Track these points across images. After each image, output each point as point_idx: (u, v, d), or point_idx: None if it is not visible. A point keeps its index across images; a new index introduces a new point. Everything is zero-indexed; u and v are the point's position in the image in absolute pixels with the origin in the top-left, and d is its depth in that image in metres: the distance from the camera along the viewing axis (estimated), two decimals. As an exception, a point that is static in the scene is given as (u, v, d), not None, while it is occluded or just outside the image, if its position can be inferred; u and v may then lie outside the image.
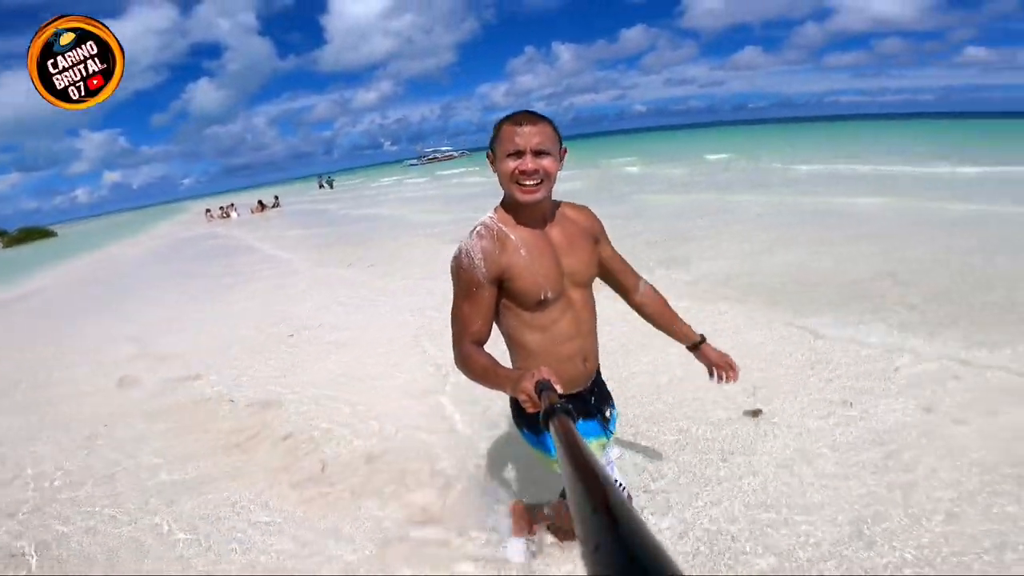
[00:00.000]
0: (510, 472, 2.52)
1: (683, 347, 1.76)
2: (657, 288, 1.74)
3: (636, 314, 1.76)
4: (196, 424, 3.47)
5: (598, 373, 1.65)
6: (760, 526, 2.00)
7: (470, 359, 1.32)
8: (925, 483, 2.12)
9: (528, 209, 1.40)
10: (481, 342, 1.37)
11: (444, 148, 75.20)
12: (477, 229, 1.41)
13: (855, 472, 2.23)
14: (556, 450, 0.64)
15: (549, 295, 1.41)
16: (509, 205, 1.43)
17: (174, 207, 63.60)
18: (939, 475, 2.15)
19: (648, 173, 17.95)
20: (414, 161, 69.54)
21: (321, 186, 40.11)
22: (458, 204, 15.25)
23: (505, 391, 1.20)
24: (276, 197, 28.23)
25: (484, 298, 1.38)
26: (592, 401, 1.60)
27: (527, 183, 1.34)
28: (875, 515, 1.97)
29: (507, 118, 1.37)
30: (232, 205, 26.66)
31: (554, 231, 1.46)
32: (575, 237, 1.49)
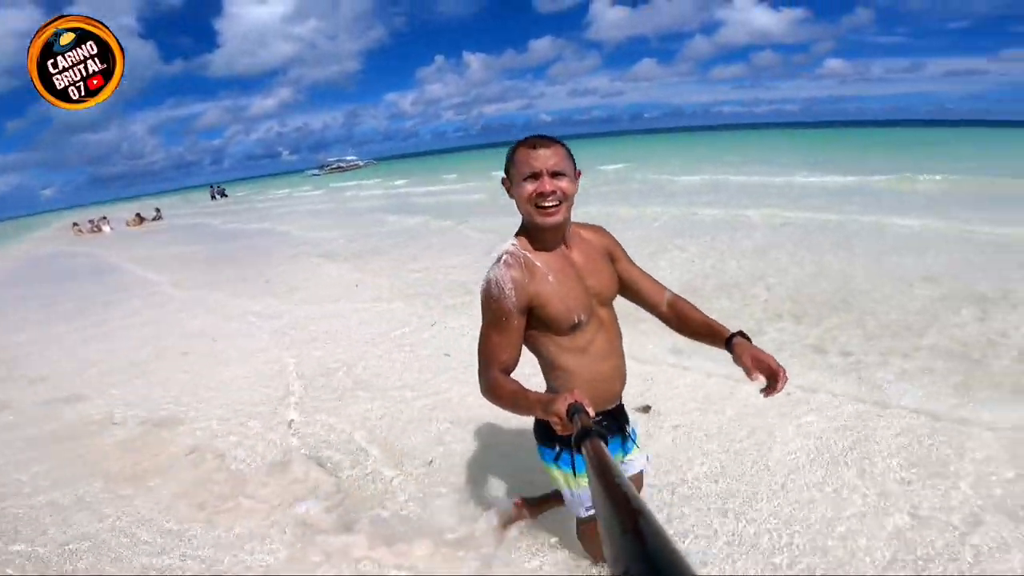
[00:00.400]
0: (415, 471, 2.67)
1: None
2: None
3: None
4: (88, 446, 3.24)
5: None
6: (663, 503, 2.25)
7: (499, 387, 1.31)
8: (782, 464, 2.43)
9: (549, 233, 1.40)
10: (509, 371, 1.36)
11: (349, 157, 72.67)
12: (504, 258, 1.39)
13: (730, 455, 2.53)
14: (588, 473, 0.64)
15: (582, 318, 1.41)
16: (529, 230, 1.42)
17: (33, 221, 56.26)
18: (791, 457, 2.47)
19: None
20: (316, 171, 66.65)
21: (214, 196, 38.32)
22: (351, 219, 14.68)
23: (536, 415, 1.18)
24: (157, 209, 25.84)
25: (514, 327, 1.36)
26: (621, 417, 1.63)
27: (546, 205, 1.34)
28: (746, 490, 2.28)
29: (522, 142, 1.37)
30: (104, 218, 24.00)
31: (575, 253, 1.46)
32: (594, 258, 1.49)
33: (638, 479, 1.79)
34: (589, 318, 1.43)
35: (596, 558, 1.92)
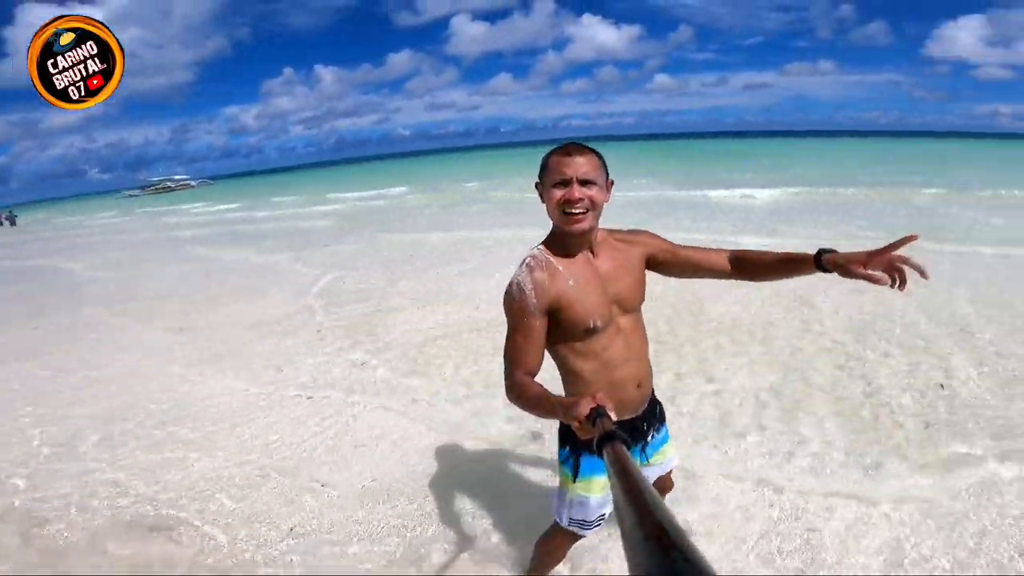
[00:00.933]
0: (277, 540, 2.44)
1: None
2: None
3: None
4: None
5: (652, 397, 1.62)
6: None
7: (524, 389, 1.30)
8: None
9: (575, 239, 1.41)
10: (533, 373, 1.36)
11: (178, 176, 64.36)
12: (527, 261, 1.42)
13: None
14: (609, 477, 0.65)
15: (598, 323, 1.41)
16: (556, 237, 1.44)
17: None
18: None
19: (393, 205, 17.54)
20: (136, 192, 58.23)
21: (0, 223, 31.59)
22: (156, 253, 12.29)
23: (558, 418, 1.17)
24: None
25: (536, 329, 1.38)
26: (643, 428, 1.59)
27: (574, 211, 1.35)
28: None
29: (555, 149, 1.39)
30: None
31: (601, 260, 1.46)
32: (623, 264, 1.49)
33: (667, 479, 1.86)
34: (606, 324, 1.44)
35: (541, 568, 1.86)
